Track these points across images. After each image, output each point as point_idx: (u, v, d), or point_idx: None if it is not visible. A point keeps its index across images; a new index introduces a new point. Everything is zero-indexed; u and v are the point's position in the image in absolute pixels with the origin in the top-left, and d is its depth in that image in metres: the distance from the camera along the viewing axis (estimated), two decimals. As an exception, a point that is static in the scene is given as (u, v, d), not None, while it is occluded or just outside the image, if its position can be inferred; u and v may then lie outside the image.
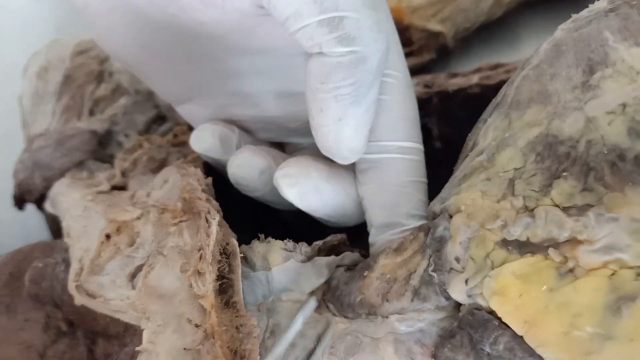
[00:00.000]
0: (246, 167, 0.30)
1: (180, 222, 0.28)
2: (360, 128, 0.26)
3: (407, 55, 0.44)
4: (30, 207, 0.44)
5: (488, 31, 0.47)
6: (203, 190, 0.28)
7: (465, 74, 0.39)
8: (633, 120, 0.20)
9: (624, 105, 0.20)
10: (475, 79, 0.39)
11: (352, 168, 0.29)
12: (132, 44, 0.29)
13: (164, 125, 0.42)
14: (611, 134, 0.20)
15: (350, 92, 0.24)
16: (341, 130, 0.25)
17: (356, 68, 0.24)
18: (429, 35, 0.44)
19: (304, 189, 0.28)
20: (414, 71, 0.45)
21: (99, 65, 0.42)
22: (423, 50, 0.44)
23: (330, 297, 0.26)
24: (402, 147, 0.27)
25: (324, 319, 0.25)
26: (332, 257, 0.28)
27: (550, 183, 0.21)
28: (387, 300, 0.23)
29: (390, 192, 0.27)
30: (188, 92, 0.32)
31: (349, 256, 0.29)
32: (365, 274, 0.25)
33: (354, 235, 0.31)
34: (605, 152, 0.20)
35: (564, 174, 0.21)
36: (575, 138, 0.21)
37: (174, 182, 0.30)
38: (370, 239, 0.28)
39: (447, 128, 0.40)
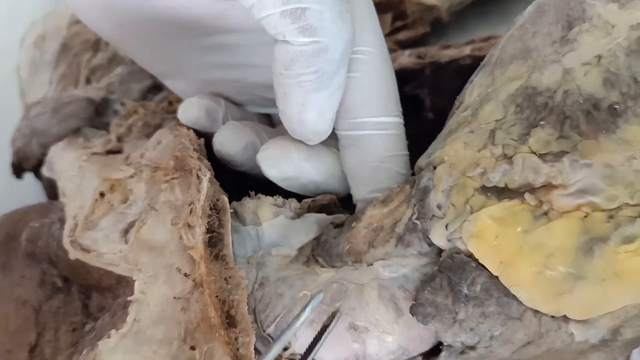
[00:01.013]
0: (230, 143, 0.31)
1: (172, 179, 0.28)
2: (324, 112, 0.26)
3: (402, 28, 0.45)
4: (28, 179, 0.45)
5: (483, 6, 0.48)
6: (195, 150, 0.29)
7: (457, 45, 0.40)
8: (608, 72, 0.21)
9: (599, 57, 0.21)
10: (467, 50, 0.39)
11: (334, 144, 0.30)
12: (110, 24, 0.29)
13: (159, 94, 0.43)
14: (587, 85, 0.21)
15: (313, 79, 0.25)
16: (304, 114, 0.26)
17: (318, 57, 0.24)
18: (423, 8, 0.44)
19: (285, 170, 0.29)
20: (409, 44, 0.46)
21: (95, 34, 0.42)
22: (417, 23, 0.45)
23: (319, 252, 0.27)
24: (379, 123, 0.28)
25: (312, 270, 0.26)
26: (323, 215, 0.29)
27: (528, 132, 0.21)
28: (373, 247, 0.24)
29: (370, 168, 0.28)
30: (169, 68, 0.33)
31: (340, 218, 0.29)
32: (353, 225, 0.26)
33: (343, 199, 0.32)
34: (581, 101, 0.21)
35: (542, 122, 0.21)
36: (552, 89, 0.21)
37: (167, 142, 0.30)
38: (357, 212, 0.29)
39: (439, 99, 0.40)
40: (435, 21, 0.46)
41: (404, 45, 0.45)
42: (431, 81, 0.39)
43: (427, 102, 0.39)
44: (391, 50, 0.43)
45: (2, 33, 0.56)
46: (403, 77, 0.39)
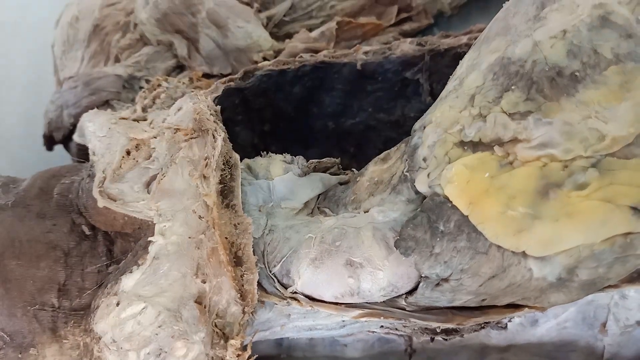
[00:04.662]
0: None
1: (191, 138, 0.32)
2: None
3: (407, 20, 0.49)
4: (57, 154, 0.49)
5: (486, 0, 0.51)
6: (211, 114, 0.33)
7: (456, 34, 0.43)
8: (571, 44, 0.24)
9: (565, 32, 0.24)
10: (464, 39, 0.42)
11: None
12: None
13: (181, 74, 0.46)
14: (553, 55, 0.24)
15: None
16: None
17: None
18: (428, 1, 0.48)
19: None
20: (413, 35, 0.49)
21: (125, 16, 0.46)
22: (422, 15, 0.48)
23: (326, 204, 0.31)
24: None
25: (316, 219, 0.30)
26: (327, 174, 0.32)
27: (501, 95, 0.25)
28: (372, 195, 0.28)
29: None
30: None
31: (343, 178, 0.33)
32: (358, 179, 0.29)
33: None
34: (547, 69, 0.24)
35: (513, 87, 0.24)
36: (524, 59, 0.25)
37: (187, 108, 0.34)
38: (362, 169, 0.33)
39: (437, 85, 0.43)
40: (439, 14, 0.49)
41: (408, 36, 0.48)
42: (430, 67, 0.42)
43: (426, 87, 0.43)
44: (395, 40, 0.46)
45: (39, 13, 0.60)
46: (404, 62, 0.42)
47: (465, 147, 0.25)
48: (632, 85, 0.23)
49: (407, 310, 0.28)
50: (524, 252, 0.23)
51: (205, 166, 0.30)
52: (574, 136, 0.23)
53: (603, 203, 0.22)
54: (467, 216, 0.24)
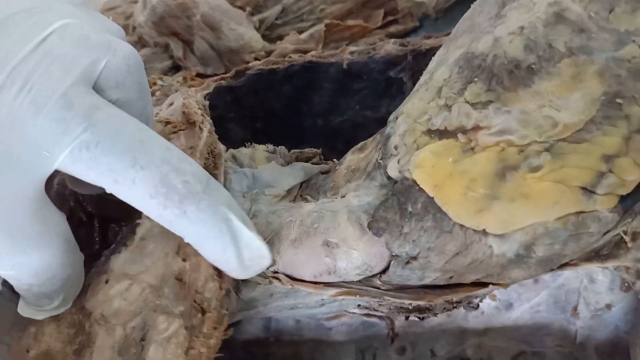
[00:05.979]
0: None
1: (180, 130, 0.34)
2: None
3: (393, 22, 0.51)
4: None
5: (471, 3, 0.53)
6: (199, 108, 0.35)
7: (437, 36, 0.45)
8: (528, 39, 0.26)
9: (522, 28, 0.26)
10: (445, 40, 0.44)
11: None
12: None
13: (177, 73, 0.49)
14: (511, 50, 0.26)
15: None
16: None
17: None
18: (413, 5, 0.50)
19: None
20: (399, 37, 0.51)
21: (125, 20, 0.49)
22: (407, 18, 0.50)
23: (308, 191, 0.33)
24: None
25: (297, 205, 0.32)
26: (309, 163, 0.34)
27: (465, 87, 0.27)
28: (349, 182, 0.30)
29: None
30: None
31: (324, 167, 0.35)
32: (337, 168, 0.31)
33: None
34: (506, 62, 0.26)
35: (475, 79, 0.26)
36: (485, 53, 0.27)
37: (177, 104, 0.36)
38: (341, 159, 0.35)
39: (420, 83, 0.45)
40: (425, 17, 0.51)
41: (394, 38, 0.50)
42: (412, 66, 0.44)
43: (409, 85, 0.45)
44: (380, 41, 0.48)
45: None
46: (388, 62, 0.44)
47: (432, 135, 0.26)
48: (583, 76, 0.25)
49: (382, 289, 0.29)
50: (484, 230, 0.25)
51: (191, 155, 0.32)
52: (529, 123, 0.25)
53: (555, 184, 0.24)
54: (433, 198, 0.25)
